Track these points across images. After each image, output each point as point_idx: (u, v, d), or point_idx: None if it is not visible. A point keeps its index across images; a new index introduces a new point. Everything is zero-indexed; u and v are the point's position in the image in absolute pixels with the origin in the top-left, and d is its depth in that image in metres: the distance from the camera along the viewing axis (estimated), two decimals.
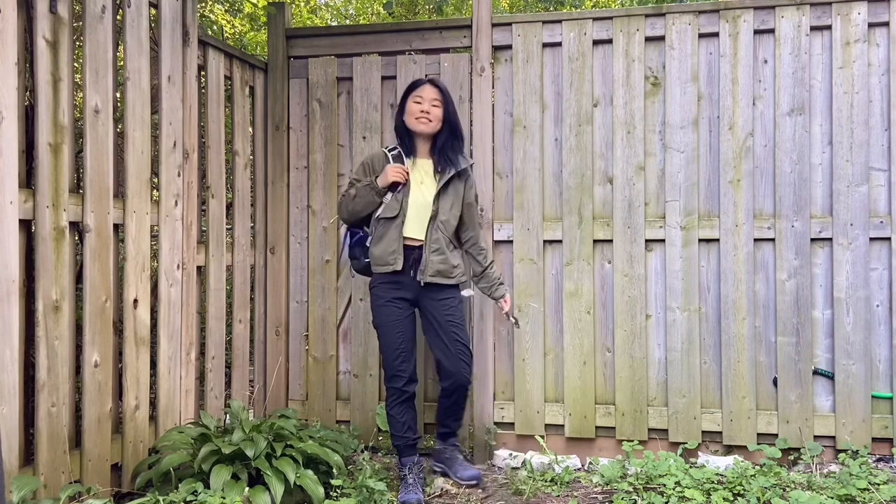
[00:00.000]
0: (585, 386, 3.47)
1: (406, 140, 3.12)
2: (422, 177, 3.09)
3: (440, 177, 3.07)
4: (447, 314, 3.09)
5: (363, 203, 3.06)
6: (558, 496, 3.03)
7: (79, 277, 2.68)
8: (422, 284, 3.04)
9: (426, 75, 3.63)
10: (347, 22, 7.44)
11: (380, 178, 3.04)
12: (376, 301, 3.10)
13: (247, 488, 2.56)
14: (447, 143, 3.10)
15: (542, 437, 3.45)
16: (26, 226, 2.38)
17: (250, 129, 3.76)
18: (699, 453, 3.37)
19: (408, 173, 3.05)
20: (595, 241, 3.48)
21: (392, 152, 3.12)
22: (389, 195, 3.04)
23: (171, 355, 3.04)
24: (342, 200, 3.15)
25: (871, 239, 3.26)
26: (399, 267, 3.03)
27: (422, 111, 3.05)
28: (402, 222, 3.02)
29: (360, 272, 3.21)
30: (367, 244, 3.12)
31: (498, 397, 3.57)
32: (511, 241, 3.55)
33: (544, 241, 3.52)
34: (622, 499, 2.87)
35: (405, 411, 3.08)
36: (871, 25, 3.28)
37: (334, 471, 2.88)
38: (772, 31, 3.36)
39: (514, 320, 3.28)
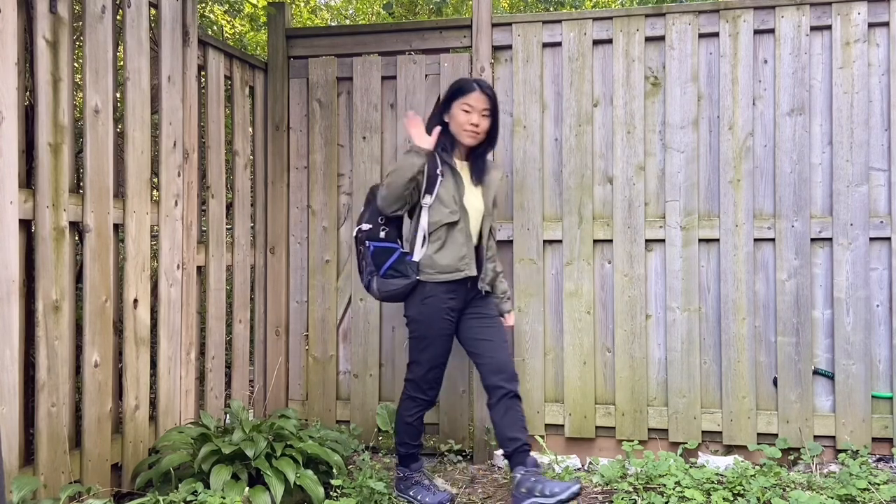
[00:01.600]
0: (585, 386, 3.47)
1: (447, 141, 2.93)
2: (466, 180, 2.94)
3: (480, 185, 2.98)
4: (495, 314, 3.02)
5: (405, 167, 2.77)
6: None
7: (79, 277, 2.69)
8: (482, 293, 2.95)
9: (426, 76, 3.64)
10: (347, 22, 7.44)
11: (419, 142, 2.80)
12: (431, 311, 2.84)
13: (247, 488, 2.56)
14: (485, 152, 3.01)
15: (542, 436, 3.45)
16: (26, 226, 2.38)
17: (250, 129, 3.76)
18: (699, 453, 3.37)
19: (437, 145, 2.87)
20: (595, 241, 3.48)
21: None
22: (431, 194, 2.84)
23: (171, 355, 3.04)
24: (382, 187, 2.86)
25: (871, 239, 3.26)
26: (473, 272, 2.87)
27: (472, 124, 2.87)
28: (465, 225, 2.87)
29: (393, 296, 2.90)
30: (415, 258, 2.86)
31: None
32: (511, 241, 3.55)
33: (544, 241, 3.52)
34: (622, 499, 2.87)
35: (422, 421, 3.01)
36: (871, 25, 3.27)
37: (334, 471, 2.88)
38: (772, 31, 3.36)
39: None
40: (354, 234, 3.01)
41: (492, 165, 3.08)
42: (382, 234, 2.91)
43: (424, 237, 2.86)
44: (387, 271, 2.87)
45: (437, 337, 2.87)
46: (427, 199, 2.86)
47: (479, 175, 2.97)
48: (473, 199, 2.93)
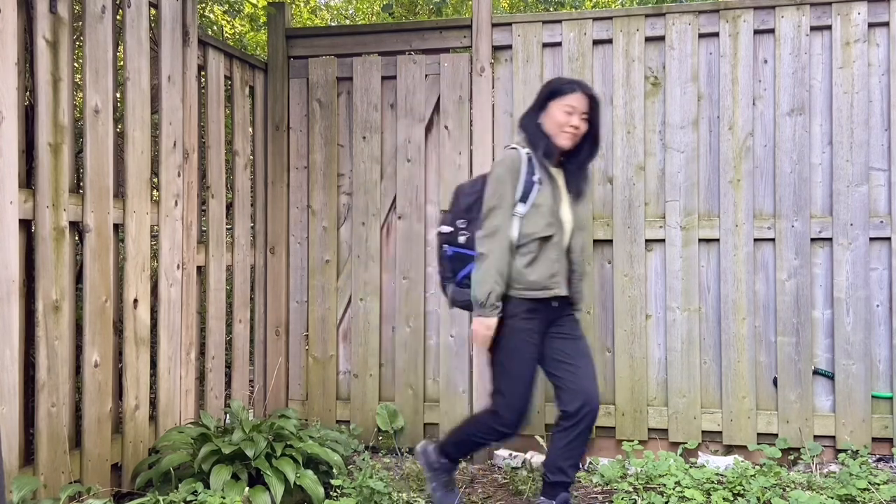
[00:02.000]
0: None
1: (541, 142, 2.66)
2: (560, 191, 2.68)
3: (573, 196, 2.72)
4: (580, 335, 2.76)
5: (490, 280, 2.54)
6: None
7: (79, 277, 2.69)
8: (571, 315, 2.72)
9: (426, 76, 3.64)
10: (347, 22, 7.44)
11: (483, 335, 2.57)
12: (515, 333, 2.59)
13: (247, 488, 2.56)
14: (587, 160, 2.74)
15: (543, 437, 3.45)
16: (26, 226, 2.38)
17: (250, 129, 3.76)
18: (699, 453, 3.37)
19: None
20: (595, 241, 3.48)
21: (526, 153, 2.65)
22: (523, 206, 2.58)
23: (171, 355, 3.04)
24: (496, 245, 2.55)
25: (871, 239, 3.26)
26: (563, 291, 2.64)
27: (572, 126, 2.62)
28: (560, 240, 2.62)
29: (467, 306, 2.71)
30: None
31: None
32: None
33: None
34: (622, 499, 2.87)
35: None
36: (871, 25, 3.27)
37: (334, 471, 2.88)
38: (772, 31, 3.36)
39: None
40: (435, 234, 2.82)
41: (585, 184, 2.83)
42: (462, 240, 2.71)
43: (511, 248, 2.61)
44: (463, 280, 2.70)
45: (526, 360, 2.62)
46: (521, 208, 2.59)
47: (577, 185, 2.72)
48: (567, 211, 2.69)
